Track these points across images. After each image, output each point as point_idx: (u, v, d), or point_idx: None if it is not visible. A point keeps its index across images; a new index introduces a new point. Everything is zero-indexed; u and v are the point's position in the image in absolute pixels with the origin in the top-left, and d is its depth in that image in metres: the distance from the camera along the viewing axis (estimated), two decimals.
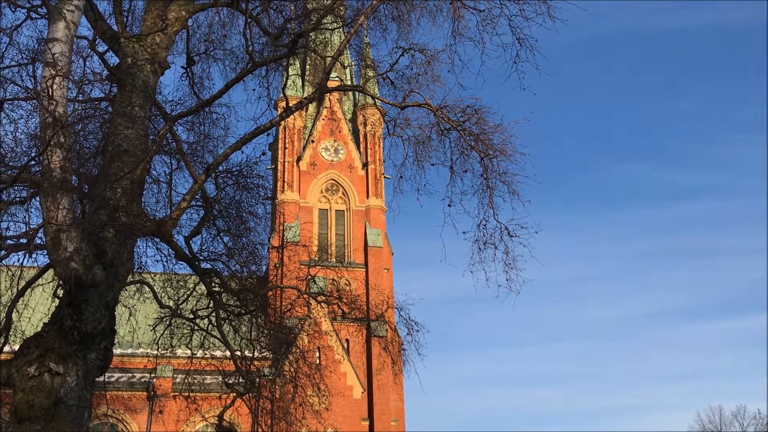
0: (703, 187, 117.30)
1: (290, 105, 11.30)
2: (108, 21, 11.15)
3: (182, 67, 12.14)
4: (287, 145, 42.01)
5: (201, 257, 11.22)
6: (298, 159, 42.45)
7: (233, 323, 12.99)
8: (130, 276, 9.99)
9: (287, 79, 13.88)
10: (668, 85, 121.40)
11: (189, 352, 14.07)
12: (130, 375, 33.69)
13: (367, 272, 40.32)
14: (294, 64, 36.32)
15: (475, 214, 11.38)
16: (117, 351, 27.52)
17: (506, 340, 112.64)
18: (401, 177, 11.94)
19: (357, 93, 42.56)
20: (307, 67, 42.80)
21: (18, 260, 9.20)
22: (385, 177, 42.69)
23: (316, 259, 31.92)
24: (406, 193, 12.00)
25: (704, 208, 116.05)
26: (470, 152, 11.52)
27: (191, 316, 12.92)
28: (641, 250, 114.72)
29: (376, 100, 13.03)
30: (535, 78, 11.61)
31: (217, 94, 11.24)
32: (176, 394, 30.05)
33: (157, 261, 11.44)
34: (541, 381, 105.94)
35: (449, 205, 11.39)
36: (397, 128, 12.02)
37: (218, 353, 15.73)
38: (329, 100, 21.75)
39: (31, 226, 8.45)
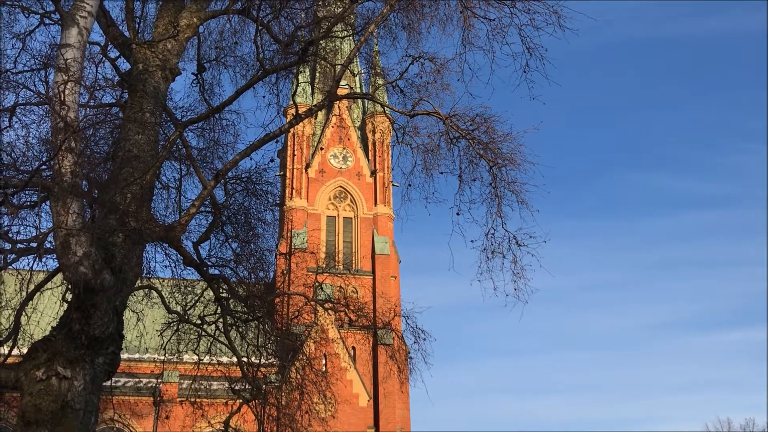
0: (714, 196, 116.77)
1: (300, 112, 11.32)
2: (120, 27, 11.24)
3: (193, 73, 12.22)
4: (296, 152, 42.12)
5: (209, 263, 11.25)
6: (307, 166, 42.54)
7: (240, 329, 12.99)
8: (138, 281, 10.02)
9: (297, 86, 13.91)
10: (679, 93, 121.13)
11: (196, 357, 14.07)
12: (137, 380, 33.72)
13: (374, 280, 40.30)
14: (304, 72, 36.48)
15: (483, 222, 11.38)
16: (124, 356, 27.41)
17: (513, 349, 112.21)
18: (410, 185, 11.94)
19: (366, 101, 42.65)
20: (317, 74, 42.98)
21: (28, 264, 9.24)
22: (393, 185, 42.70)
23: (324, 266, 31.86)
24: (414, 201, 12.00)
25: (716, 218, 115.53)
26: (479, 161, 11.50)
27: (199, 321, 12.92)
28: (650, 260, 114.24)
29: (386, 108, 13.09)
30: (544, 87, 11.58)
31: (228, 100, 11.28)
32: (183, 399, 29.99)
33: (165, 266, 11.48)
34: (548, 390, 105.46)
35: (458, 214, 11.37)
36: (406, 136, 12.02)
37: (225, 359, 15.68)
38: (338, 107, 21.84)
39: (41, 230, 8.49)
